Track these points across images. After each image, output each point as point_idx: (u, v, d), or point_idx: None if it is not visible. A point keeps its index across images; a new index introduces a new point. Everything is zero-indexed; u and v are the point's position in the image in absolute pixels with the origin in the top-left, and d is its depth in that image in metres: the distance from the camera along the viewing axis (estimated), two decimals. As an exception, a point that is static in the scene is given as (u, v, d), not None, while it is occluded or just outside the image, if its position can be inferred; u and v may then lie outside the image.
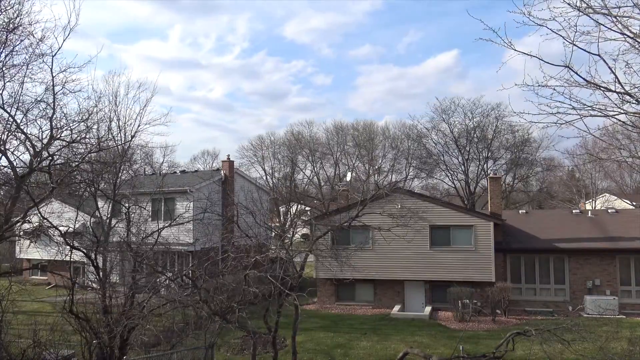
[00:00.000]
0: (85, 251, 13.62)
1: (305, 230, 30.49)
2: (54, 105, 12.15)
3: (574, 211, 29.11)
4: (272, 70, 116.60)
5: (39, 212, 12.46)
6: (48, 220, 12.97)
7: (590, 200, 45.84)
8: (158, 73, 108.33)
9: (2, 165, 12.94)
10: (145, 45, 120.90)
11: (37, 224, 14.99)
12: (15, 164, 12.22)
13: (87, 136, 13.80)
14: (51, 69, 11.96)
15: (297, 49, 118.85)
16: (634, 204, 40.50)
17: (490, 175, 30.50)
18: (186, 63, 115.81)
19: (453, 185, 52.03)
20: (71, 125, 12.84)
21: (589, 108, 6.95)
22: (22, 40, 11.94)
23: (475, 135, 49.62)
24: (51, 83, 12.05)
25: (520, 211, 31.10)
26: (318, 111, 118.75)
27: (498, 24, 6.91)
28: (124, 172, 20.48)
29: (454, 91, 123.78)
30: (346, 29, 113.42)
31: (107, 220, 18.04)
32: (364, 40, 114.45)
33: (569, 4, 6.63)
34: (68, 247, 12.82)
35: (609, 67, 6.80)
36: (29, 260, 33.40)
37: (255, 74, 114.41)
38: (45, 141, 12.31)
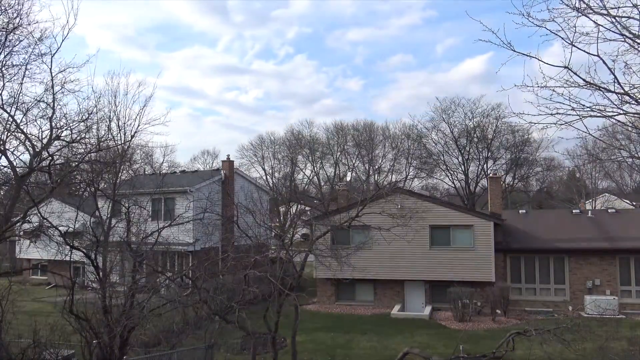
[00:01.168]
0: (85, 251, 13.61)
1: (305, 230, 30.52)
2: (53, 105, 12.14)
3: (574, 211, 29.10)
4: (308, 75, 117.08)
5: (39, 212, 12.46)
6: (48, 220, 12.97)
7: (590, 200, 45.85)
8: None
9: (2, 165, 12.95)
10: (191, 51, 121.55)
11: (37, 224, 14.98)
12: (15, 164, 12.21)
13: (87, 136, 13.78)
14: (50, 69, 11.94)
15: (336, 56, 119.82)
16: (634, 204, 40.52)
17: (490, 175, 30.54)
18: (229, 69, 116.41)
19: (453, 185, 52.07)
20: (71, 125, 12.82)
21: (589, 109, 6.94)
22: (21, 41, 11.94)
23: (475, 135, 49.66)
24: (50, 83, 12.05)
25: (520, 211, 31.08)
26: (344, 114, 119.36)
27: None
28: (124, 172, 20.47)
29: (483, 93, 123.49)
30: (382, 39, 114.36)
31: (107, 220, 18.01)
32: (398, 49, 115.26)
33: (567, 4, 6.63)
34: (68, 247, 12.83)
35: (608, 68, 6.80)
36: (29, 260, 33.39)
37: (292, 78, 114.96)
38: (45, 141, 12.30)
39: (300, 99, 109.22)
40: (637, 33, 6.59)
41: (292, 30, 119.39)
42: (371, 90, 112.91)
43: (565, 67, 6.87)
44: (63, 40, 11.84)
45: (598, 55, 6.74)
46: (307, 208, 50.01)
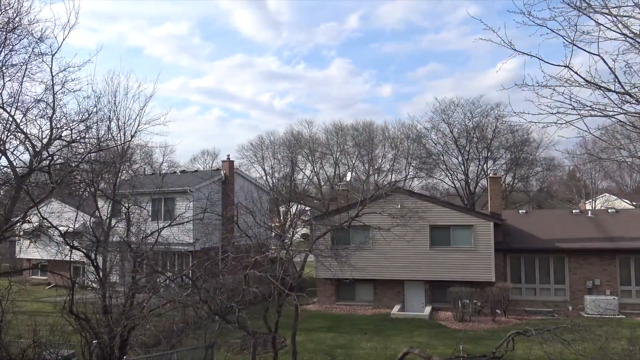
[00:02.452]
0: (85, 251, 13.60)
1: (305, 230, 30.52)
2: (53, 105, 12.15)
3: (574, 211, 29.10)
4: (344, 81, 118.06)
5: (39, 212, 12.44)
6: (48, 220, 12.95)
7: (590, 200, 45.83)
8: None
9: (2, 165, 12.96)
10: (236, 59, 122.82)
11: (37, 224, 14.96)
12: (15, 164, 12.21)
13: (87, 136, 13.78)
14: (50, 68, 11.95)
15: (371, 63, 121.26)
16: (634, 204, 40.51)
17: (490, 175, 30.50)
18: (271, 74, 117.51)
19: (453, 185, 52.05)
20: (71, 125, 12.82)
21: (589, 108, 6.94)
22: (21, 40, 11.95)
23: (475, 135, 49.63)
24: (51, 83, 12.05)
25: (520, 211, 31.09)
26: (370, 117, 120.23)
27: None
28: (124, 172, 20.47)
29: (507, 98, 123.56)
30: (415, 51, 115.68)
31: (107, 220, 18.01)
32: (430, 59, 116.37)
33: (568, 3, 6.63)
34: (68, 247, 12.81)
35: (609, 67, 6.80)
36: (29, 260, 33.39)
37: (326, 83, 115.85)
38: (45, 141, 12.29)
39: (333, 103, 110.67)
40: (638, 32, 6.59)
41: (338, 40, 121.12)
42: (398, 95, 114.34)
43: (565, 66, 6.87)
44: (64, 40, 11.86)
45: (599, 55, 6.75)
46: (307, 208, 50.07)
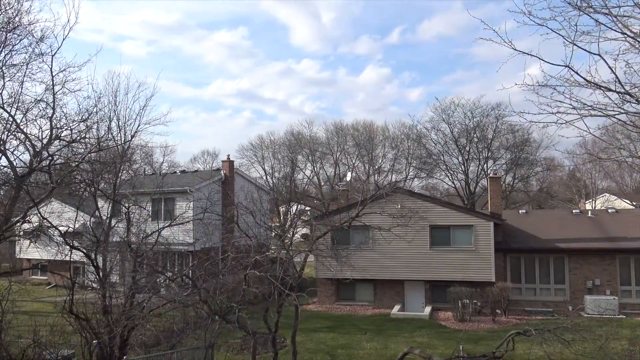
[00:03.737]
0: (85, 251, 13.61)
1: (305, 230, 30.50)
2: (53, 105, 12.15)
3: (574, 211, 29.09)
4: (379, 87, 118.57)
5: (39, 212, 12.46)
6: (48, 220, 12.97)
7: (590, 200, 45.81)
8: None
9: (2, 165, 12.96)
10: (282, 65, 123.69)
11: (37, 224, 14.98)
12: (15, 164, 12.22)
13: (87, 136, 13.79)
14: (51, 68, 11.96)
15: (408, 65, 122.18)
16: (634, 204, 40.49)
17: (490, 175, 30.49)
18: (311, 80, 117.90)
19: (453, 185, 52.01)
20: (71, 125, 12.82)
21: (589, 108, 6.94)
22: (21, 40, 11.96)
23: (475, 135, 49.58)
24: (51, 83, 12.06)
25: (520, 211, 31.08)
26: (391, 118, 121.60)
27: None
28: (124, 172, 20.48)
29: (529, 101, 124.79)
30: (440, 61, 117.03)
31: (107, 220, 18.01)
32: (457, 67, 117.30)
33: (569, 3, 6.63)
34: (68, 247, 12.83)
35: (609, 67, 6.80)
36: (29, 260, 33.40)
37: (360, 87, 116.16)
38: (45, 141, 12.30)
39: (363, 107, 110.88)
40: (638, 32, 6.58)
41: (379, 50, 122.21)
42: (428, 96, 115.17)
43: (566, 66, 6.87)
44: (64, 40, 11.88)
45: (599, 55, 6.74)
46: (307, 208, 50.01)
